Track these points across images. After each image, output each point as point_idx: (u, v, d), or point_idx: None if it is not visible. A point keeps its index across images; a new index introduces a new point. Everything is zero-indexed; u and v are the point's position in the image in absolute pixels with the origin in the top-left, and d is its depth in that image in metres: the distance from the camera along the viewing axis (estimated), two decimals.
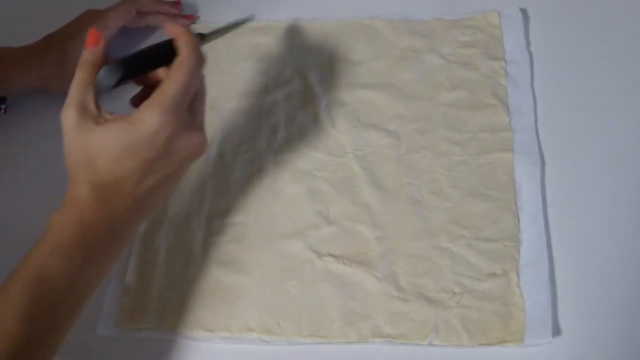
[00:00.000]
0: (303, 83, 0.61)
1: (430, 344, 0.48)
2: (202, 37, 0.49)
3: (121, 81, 0.44)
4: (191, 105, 0.44)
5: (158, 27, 0.67)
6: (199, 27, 0.64)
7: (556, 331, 0.48)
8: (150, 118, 0.41)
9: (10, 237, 0.57)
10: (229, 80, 0.62)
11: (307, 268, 0.52)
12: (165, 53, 0.45)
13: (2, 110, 0.63)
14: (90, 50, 0.45)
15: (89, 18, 0.62)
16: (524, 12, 0.62)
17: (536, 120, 0.57)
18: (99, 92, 0.43)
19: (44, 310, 0.40)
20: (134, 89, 0.47)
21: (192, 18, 0.67)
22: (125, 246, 0.45)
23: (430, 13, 0.63)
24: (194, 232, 0.55)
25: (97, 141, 0.41)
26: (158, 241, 0.54)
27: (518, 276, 0.50)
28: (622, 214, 0.52)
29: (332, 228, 0.54)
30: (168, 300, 0.52)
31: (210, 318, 0.51)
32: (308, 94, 0.60)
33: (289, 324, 0.50)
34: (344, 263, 0.52)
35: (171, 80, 0.42)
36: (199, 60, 0.44)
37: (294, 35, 0.64)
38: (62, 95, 0.61)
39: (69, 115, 0.42)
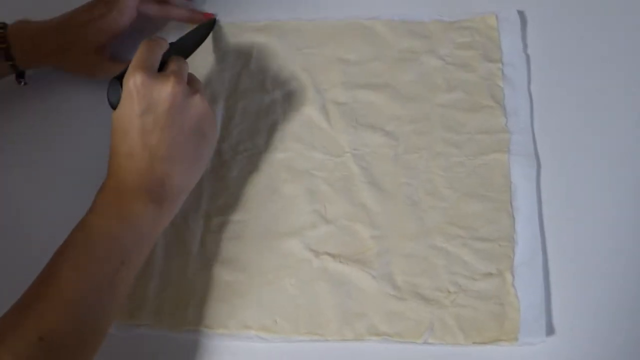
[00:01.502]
0: (301, 83, 0.61)
1: (425, 343, 0.49)
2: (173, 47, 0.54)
3: None
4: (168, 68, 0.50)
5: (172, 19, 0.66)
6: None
7: (550, 330, 0.49)
8: (125, 82, 0.48)
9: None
10: (228, 79, 0.62)
11: (304, 266, 0.53)
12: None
13: (22, 83, 0.63)
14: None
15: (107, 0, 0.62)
16: (521, 14, 0.62)
17: (532, 122, 0.57)
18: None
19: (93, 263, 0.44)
20: None
21: (212, 17, 0.66)
22: (167, 211, 0.49)
23: (428, 15, 0.63)
24: (192, 230, 0.55)
25: None
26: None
27: (513, 276, 0.50)
28: (617, 215, 0.53)
29: (329, 227, 0.54)
30: (165, 297, 0.53)
31: (207, 315, 0.51)
32: (306, 93, 0.61)
33: (286, 321, 0.51)
34: (340, 262, 0.52)
35: (133, 57, 0.49)
36: (148, 42, 0.50)
37: (293, 35, 0.64)
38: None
39: None
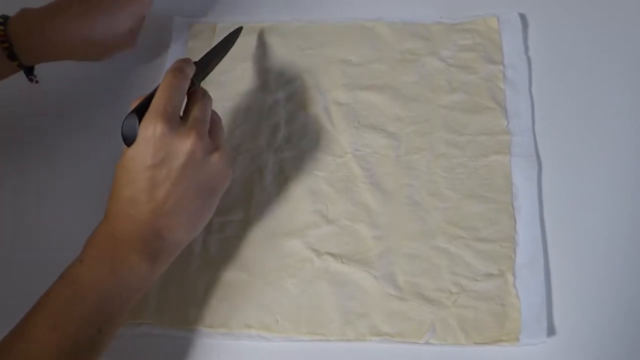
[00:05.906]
0: (303, 83, 0.61)
1: (427, 343, 0.49)
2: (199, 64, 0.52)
3: None
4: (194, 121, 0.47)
5: None
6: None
7: (551, 331, 0.49)
8: (143, 127, 0.45)
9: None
10: (230, 80, 0.63)
11: (306, 266, 0.53)
12: None
13: (35, 81, 0.58)
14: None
15: None
16: (522, 17, 0.63)
17: (534, 123, 0.58)
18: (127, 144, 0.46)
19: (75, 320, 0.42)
20: None
21: None
22: (159, 267, 0.46)
23: (430, 17, 0.64)
24: None
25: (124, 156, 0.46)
26: None
27: (514, 277, 0.51)
28: (618, 215, 0.53)
29: (331, 227, 0.54)
30: (167, 296, 0.53)
31: (209, 314, 0.51)
32: (308, 94, 0.61)
33: (288, 321, 0.51)
34: (342, 262, 0.53)
35: (155, 96, 0.46)
36: (174, 75, 0.47)
37: (295, 36, 0.64)
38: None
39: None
